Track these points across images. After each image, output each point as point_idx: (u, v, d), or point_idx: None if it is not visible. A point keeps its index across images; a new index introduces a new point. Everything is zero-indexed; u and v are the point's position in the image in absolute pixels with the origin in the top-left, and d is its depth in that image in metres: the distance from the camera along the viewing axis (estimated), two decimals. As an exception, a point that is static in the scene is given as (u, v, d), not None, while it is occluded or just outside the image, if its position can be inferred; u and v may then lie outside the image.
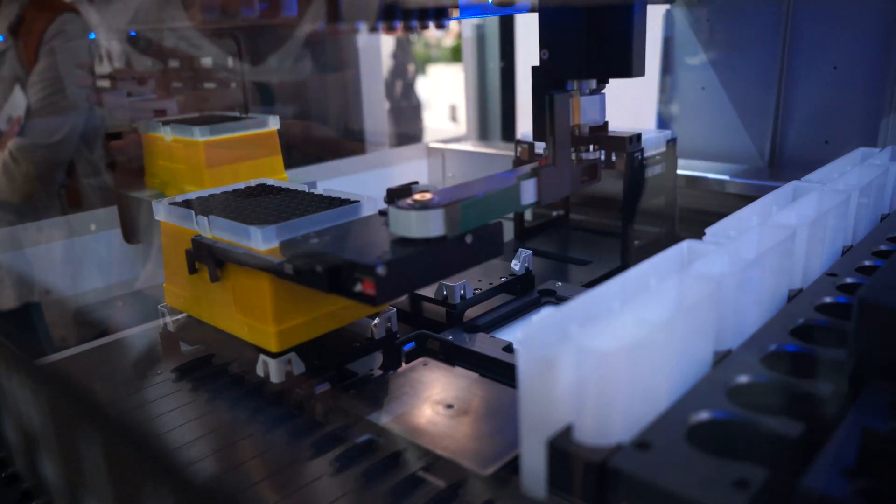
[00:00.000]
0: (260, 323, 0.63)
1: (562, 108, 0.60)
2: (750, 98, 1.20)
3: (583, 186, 0.67)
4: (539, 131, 0.63)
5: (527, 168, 0.63)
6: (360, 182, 1.39)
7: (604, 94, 0.67)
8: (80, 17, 1.30)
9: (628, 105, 1.43)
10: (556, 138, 0.61)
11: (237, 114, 1.05)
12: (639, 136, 1.00)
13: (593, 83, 0.66)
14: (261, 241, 0.60)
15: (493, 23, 1.55)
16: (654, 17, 1.27)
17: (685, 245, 0.50)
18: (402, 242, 0.54)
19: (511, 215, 1.18)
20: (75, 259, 1.02)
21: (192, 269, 0.67)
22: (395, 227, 0.55)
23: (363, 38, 1.66)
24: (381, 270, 0.50)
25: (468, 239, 0.56)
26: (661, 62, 1.28)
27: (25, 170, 1.26)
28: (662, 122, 1.30)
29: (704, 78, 1.23)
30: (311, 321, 0.65)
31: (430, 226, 0.53)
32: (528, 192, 0.61)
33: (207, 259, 0.64)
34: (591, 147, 0.67)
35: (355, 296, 0.52)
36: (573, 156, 0.65)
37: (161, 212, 0.72)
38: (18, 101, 1.28)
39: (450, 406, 0.60)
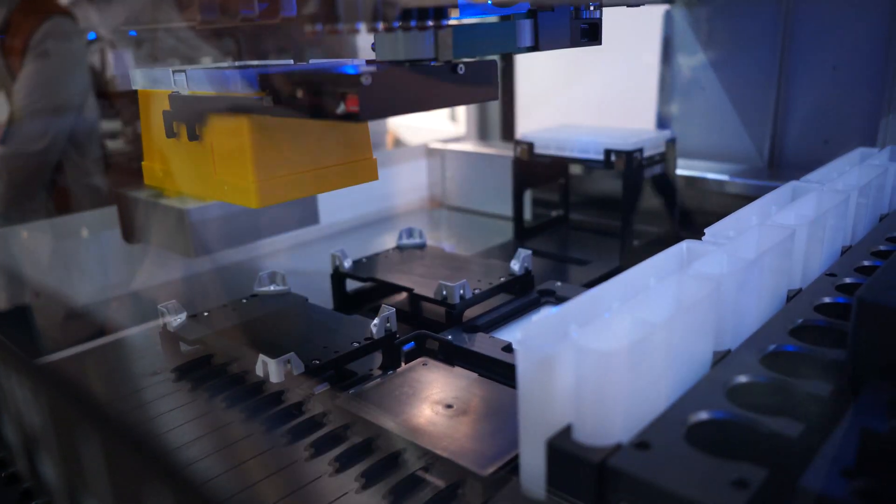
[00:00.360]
0: (240, 178, 0.57)
1: None
2: (749, 98, 1.20)
3: (582, 45, 0.63)
4: None
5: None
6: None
7: None
8: (72, 20, 1.29)
9: (627, 104, 1.44)
10: None
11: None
12: (641, 150, 1.03)
13: None
14: (239, 84, 0.54)
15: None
16: (655, 16, 1.27)
17: (684, 245, 0.50)
18: (389, 64, 0.52)
19: (510, 216, 1.18)
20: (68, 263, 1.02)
21: (171, 133, 0.61)
22: (380, 52, 0.52)
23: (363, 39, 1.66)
24: (365, 80, 0.46)
25: (460, 69, 0.53)
26: (660, 61, 1.28)
27: (6, 178, 1.24)
28: (662, 122, 1.30)
29: (704, 77, 1.23)
30: (295, 179, 0.59)
31: (418, 47, 0.50)
32: (525, 33, 0.58)
33: (185, 115, 0.59)
34: (592, 6, 0.64)
35: (339, 117, 0.48)
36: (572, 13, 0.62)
37: (138, 79, 0.66)
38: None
39: (449, 406, 0.60)
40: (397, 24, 0.49)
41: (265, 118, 0.55)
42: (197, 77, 0.59)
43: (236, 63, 0.70)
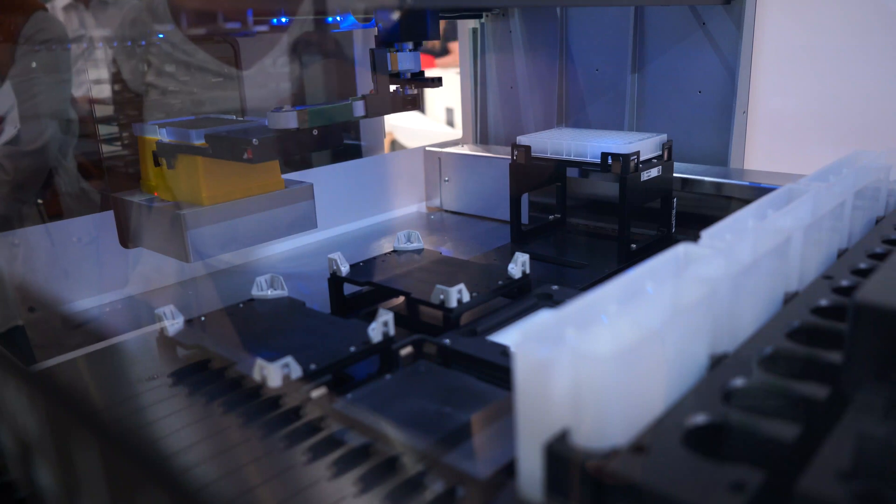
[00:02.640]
0: (196, 190, 0.92)
1: (380, 58, 0.92)
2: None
3: (403, 110, 0.95)
4: (373, 76, 0.94)
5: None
6: (357, 185, 1.39)
7: (418, 52, 0.95)
8: (54, 17, 1.28)
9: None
10: (378, 77, 0.93)
11: (233, 116, 1.05)
12: (637, 153, 1.04)
13: (410, 45, 0.94)
14: (194, 138, 0.91)
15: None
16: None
17: (681, 248, 0.50)
18: (274, 132, 0.85)
19: (507, 220, 1.18)
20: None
21: (157, 163, 0.96)
22: (271, 123, 0.86)
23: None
24: (255, 141, 0.83)
25: (315, 132, 0.87)
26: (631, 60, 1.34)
27: (7, 177, 1.23)
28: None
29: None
30: (227, 191, 0.94)
31: (289, 121, 0.84)
32: (359, 108, 0.91)
33: (167, 153, 0.94)
34: (411, 86, 0.95)
35: (245, 160, 0.83)
36: (393, 89, 0.94)
37: (137, 130, 1.01)
38: (2, 101, 1.24)
39: (446, 410, 0.60)
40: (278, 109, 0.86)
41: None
42: (172, 132, 0.96)
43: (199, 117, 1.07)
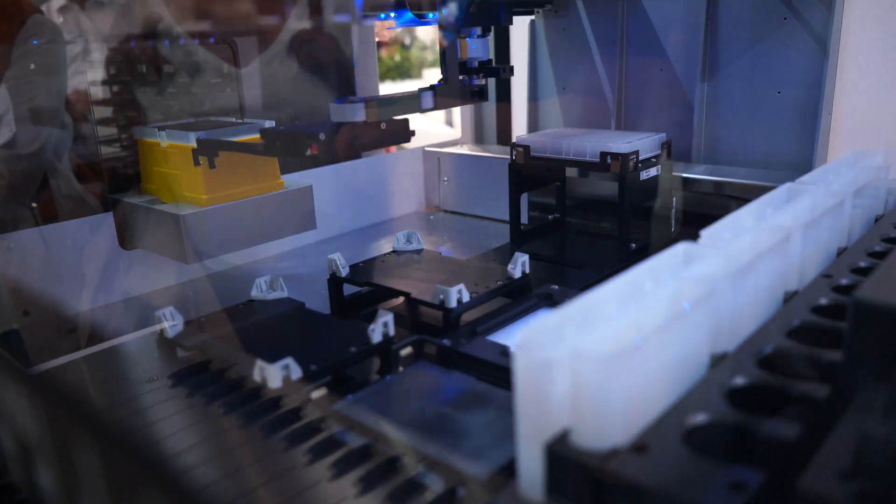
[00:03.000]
0: (196, 191, 0.94)
1: (451, 46, 0.88)
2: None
3: (472, 102, 0.92)
4: (441, 66, 0.90)
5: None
6: (356, 187, 1.39)
7: (487, 38, 0.92)
8: (50, 20, 1.28)
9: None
10: (448, 66, 0.89)
11: (232, 119, 1.05)
12: (636, 153, 1.04)
13: (479, 30, 0.90)
14: (191, 140, 0.92)
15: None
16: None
17: (680, 248, 0.50)
18: (337, 126, 0.80)
19: (507, 219, 1.18)
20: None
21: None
22: (334, 116, 0.80)
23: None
24: (321, 136, 0.78)
25: (383, 125, 0.82)
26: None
27: (2, 180, 1.23)
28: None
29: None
30: (227, 193, 0.95)
31: (356, 113, 0.79)
32: (427, 99, 0.87)
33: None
34: (479, 76, 0.92)
35: (309, 156, 0.78)
36: (462, 80, 0.91)
37: (137, 133, 1.04)
38: None
39: (447, 410, 0.60)
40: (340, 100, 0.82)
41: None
42: (170, 133, 0.97)
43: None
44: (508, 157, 1.15)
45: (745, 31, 1.17)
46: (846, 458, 0.34)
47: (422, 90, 0.85)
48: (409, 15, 0.91)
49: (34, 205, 1.29)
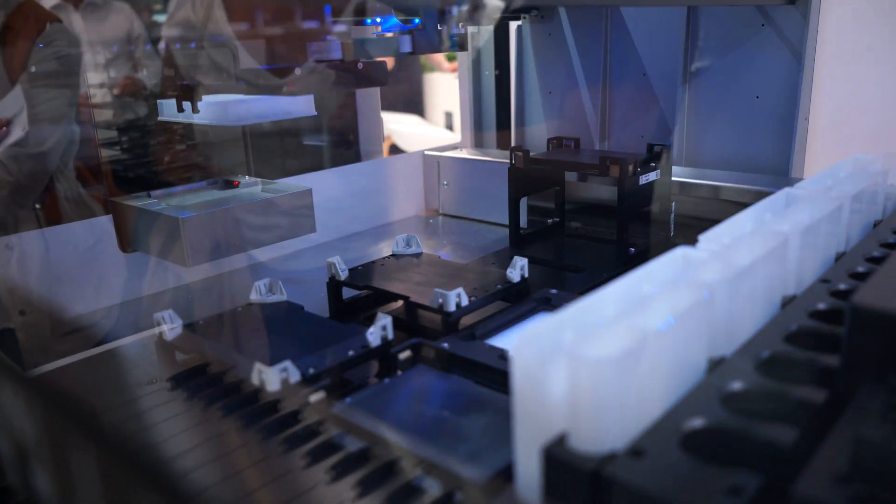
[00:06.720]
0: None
1: None
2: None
3: (450, 51, 0.95)
4: (419, 11, 0.89)
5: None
6: (355, 189, 1.39)
7: None
8: (68, 29, 1.30)
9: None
10: (425, 11, 0.88)
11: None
12: (636, 157, 1.05)
13: None
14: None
15: (487, 31, 1.56)
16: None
17: (679, 252, 0.50)
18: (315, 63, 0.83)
19: (506, 223, 1.18)
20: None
21: None
22: (311, 55, 0.83)
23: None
24: (297, 72, 0.81)
25: (360, 64, 0.84)
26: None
27: (10, 178, 1.24)
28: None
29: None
30: None
31: (332, 51, 0.82)
32: (406, 43, 0.87)
33: None
34: (459, 24, 0.92)
35: (284, 92, 0.84)
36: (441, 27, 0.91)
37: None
38: (9, 104, 1.26)
39: (445, 414, 0.60)
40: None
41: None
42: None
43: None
44: (508, 160, 1.15)
45: (725, 37, 1.20)
46: (843, 462, 0.34)
47: (400, 33, 0.86)
48: (395, 20, 0.95)
49: (37, 206, 1.30)
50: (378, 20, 0.97)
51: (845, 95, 1.12)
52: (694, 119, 1.26)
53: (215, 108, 0.98)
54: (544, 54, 1.44)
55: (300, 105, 1.02)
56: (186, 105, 0.97)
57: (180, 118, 0.99)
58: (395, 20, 0.93)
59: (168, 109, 1.03)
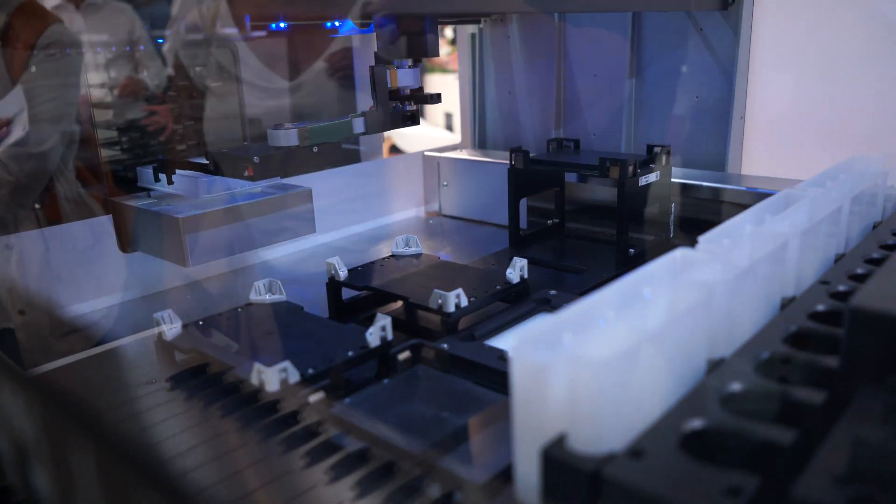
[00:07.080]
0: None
1: (381, 75, 0.95)
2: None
3: (403, 126, 0.99)
4: (372, 93, 0.97)
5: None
6: (356, 190, 1.39)
7: (417, 68, 0.97)
8: (69, 30, 1.30)
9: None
10: (378, 94, 0.96)
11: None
12: (635, 158, 1.05)
13: (409, 61, 0.96)
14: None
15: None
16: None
17: (678, 253, 0.50)
18: (274, 149, 0.89)
19: (506, 224, 1.19)
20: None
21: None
22: (271, 141, 0.88)
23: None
24: (256, 160, 0.89)
25: (315, 149, 0.91)
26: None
27: (10, 177, 1.24)
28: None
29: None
30: None
31: (289, 139, 0.87)
32: (359, 125, 0.94)
33: None
34: (410, 102, 0.98)
35: (245, 177, 0.90)
36: (395, 106, 0.98)
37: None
38: (9, 104, 1.26)
39: (444, 414, 0.60)
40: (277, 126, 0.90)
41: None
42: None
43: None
44: (508, 161, 1.15)
45: (666, 42, 1.27)
46: (842, 463, 0.34)
47: (353, 116, 0.93)
48: (351, 24, 0.99)
49: (37, 206, 1.30)
50: (336, 24, 1.02)
51: (782, 97, 1.19)
52: (641, 117, 1.33)
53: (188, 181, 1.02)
54: (503, 56, 1.52)
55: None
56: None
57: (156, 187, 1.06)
58: (351, 24, 0.98)
59: (145, 177, 1.08)
